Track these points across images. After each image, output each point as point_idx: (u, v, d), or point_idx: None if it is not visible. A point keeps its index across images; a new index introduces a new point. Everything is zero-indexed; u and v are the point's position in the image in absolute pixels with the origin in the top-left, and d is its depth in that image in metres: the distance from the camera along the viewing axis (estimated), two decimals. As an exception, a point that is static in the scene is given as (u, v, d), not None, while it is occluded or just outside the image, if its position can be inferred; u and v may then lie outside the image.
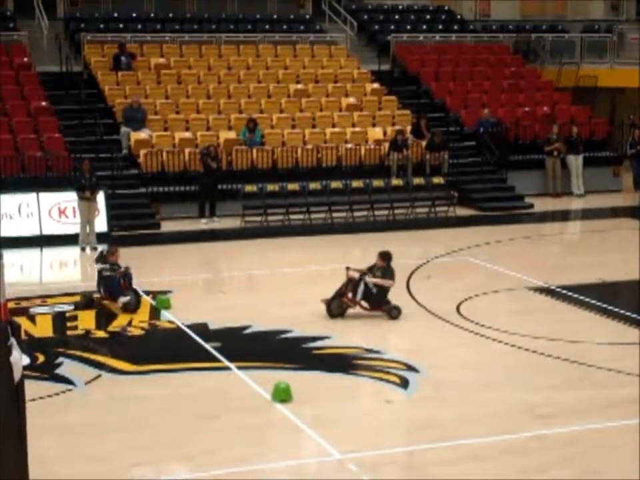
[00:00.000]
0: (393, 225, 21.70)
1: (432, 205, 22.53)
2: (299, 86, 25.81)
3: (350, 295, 14.07)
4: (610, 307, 14.73)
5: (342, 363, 12.26)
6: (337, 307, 14.14)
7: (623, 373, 11.81)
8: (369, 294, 14.08)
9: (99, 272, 14.86)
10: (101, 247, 19.04)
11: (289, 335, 13.43)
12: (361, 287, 14.04)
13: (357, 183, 22.50)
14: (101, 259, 15.08)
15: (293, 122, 24.51)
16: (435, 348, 13.03)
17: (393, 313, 14.10)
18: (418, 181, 23.04)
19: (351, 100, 25.55)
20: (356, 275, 14.08)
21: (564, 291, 15.62)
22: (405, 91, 27.01)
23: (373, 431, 10.13)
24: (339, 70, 26.90)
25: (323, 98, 25.54)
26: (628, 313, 14.42)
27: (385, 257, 14.36)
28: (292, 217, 21.73)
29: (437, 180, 23.15)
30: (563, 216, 23.59)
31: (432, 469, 9.29)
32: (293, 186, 22.12)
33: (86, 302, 14.75)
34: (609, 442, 9.92)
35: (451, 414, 10.55)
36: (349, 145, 23.70)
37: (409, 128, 24.63)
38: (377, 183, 22.66)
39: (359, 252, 19.38)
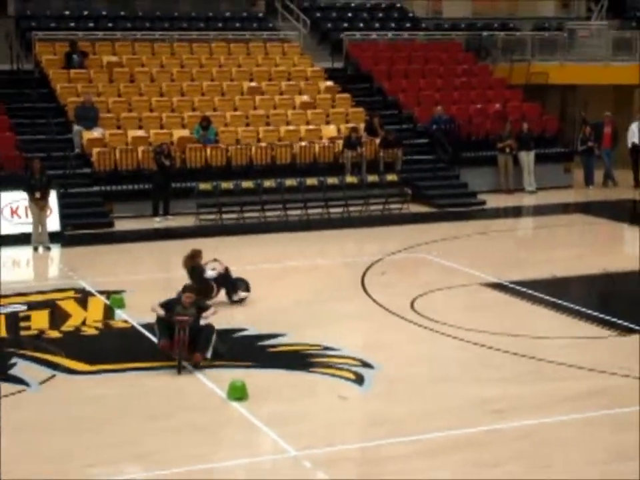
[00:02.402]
0: (347, 222, 21.77)
1: (386, 202, 22.64)
2: (253, 84, 25.78)
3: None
4: (561, 302, 14.90)
5: (297, 360, 12.29)
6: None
7: (574, 367, 11.95)
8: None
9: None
10: (53, 246, 18.98)
11: (244, 333, 13.43)
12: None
13: (311, 181, 22.54)
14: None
15: (246, 120, 24.48)
16: (390, 344, 13.10)
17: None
18: (372, 178, 23.13)
19: (305, 98, 25.57)
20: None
21: (517, 287, 15.77)
22: (358, 89, 27.09)
23: (328, 427, 10.17)
24: (292, 68, 26.91)
25: (276, 96, 25.54)
26: (579, 308, 14.60)
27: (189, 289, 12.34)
28: (246, 215, 21.72)
29: (391, 177, 23.26)
30: (516, 212, 23.81)
31: (387, 464, 9.35)
32: (247, 184, 22.10)
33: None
34: (560, 436, 10.04)
35: (405, 409, 10.62)
36: (303, 143, 23.73)
37: (362, 125, 24.71)
38: (331, 180, 22.71)
39: (315, 249, 19.42)
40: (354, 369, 11.85)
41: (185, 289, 12.21)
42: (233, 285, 14.80)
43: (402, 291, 15.60)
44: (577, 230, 21.10)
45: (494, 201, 23.85)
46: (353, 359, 12.20)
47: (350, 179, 23.07)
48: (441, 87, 27.48)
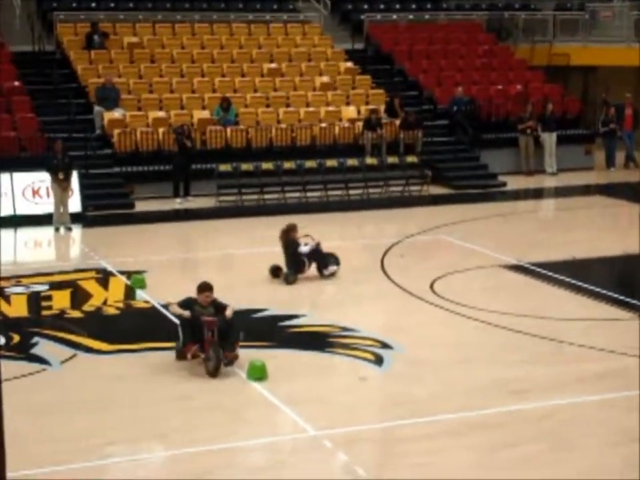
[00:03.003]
0: (367, 203, 21.77)
1: (406, 184, 22.61)
2: (273, 65, 25.76)
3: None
4: (581, 284, 14.88)
5: (317, 340, 12.34)
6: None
7: (594, 349, 11.95)
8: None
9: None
10: (75, 227, 19.08)
11: (264, 313, 13.49)
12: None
13: (331, 162, 22.54)
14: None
15: (267, 101, 24.49)
16: (409, 325, 13.13)
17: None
18: (392, 159, 23.10)
19: (325, 79, 25.53)
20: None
21: (536, 268, 15.75)
22: (378, 70, 27.02)
23: (348, 407, 10.22)
24: (312, 49, 26.85)
25: (296, 77, 25.51)
26: (599, 290, 14.58)
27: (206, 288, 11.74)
28: (266, 196, 21.75)
29: (411, 159, 23.22)
30: (536, 194, 23.74)
31: (406, 445, 9.40)
32: (267, 165, 22.12)
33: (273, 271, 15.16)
34: (580, 416, 10.06)
35: (425, 390, 10.65)
36: (323, 124, 23.71)
37: (382, 107, 24.66)
38: (351, 162, 22.70)
39: (334, 230, 19.43)
40: (373, 349, 11.89)
41: (203, 287, 11.57)
42: (323, 260, 15.16)
43: (421, 273, 15.61)
44: (598, 212, 21.02)
45: (514, 183, 23.78)
46: (372, 339, 12.24)
47: (370, 160, 23.06)
48: (462, 67, 27.37)
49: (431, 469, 8.81)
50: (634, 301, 13.96)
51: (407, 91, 26.28)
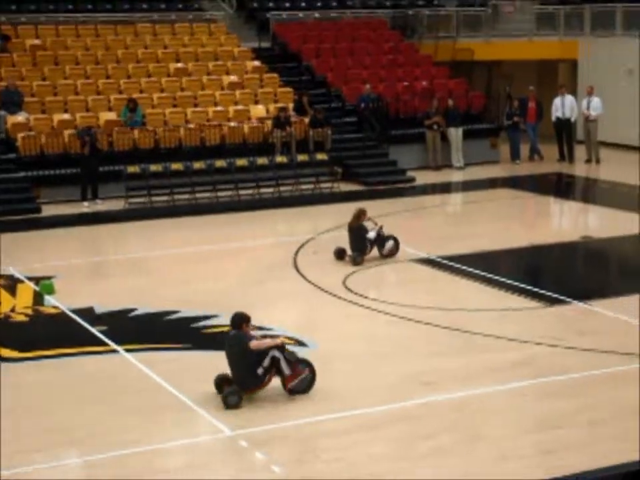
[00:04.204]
0: (278, 202, 21.78)
1: (316, 181, 22.69)
2: (179, 65, 25.59)
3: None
4: (490, 275, 15.12)
5: (231, 340, 12.29)
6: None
7: (504, 339, 12.17)
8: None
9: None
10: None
11: (176, 315, 13.40)
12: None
13: (241, 161, 22.49)
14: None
15: (174, 101, 24.30)
16: (323, 322, 13.19)
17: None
18: (302, 157, 23.15)
19: (233, 78, 25.47)
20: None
21: (446, 261, 15.96)
22: (286, 68, 27.05)
23: (264, 406, 10.22)
24: (218, 48, 26.75)
25: (204, 76, 25.38)
26: (507, 281, 14.84)
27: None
28: (177, 197, 21.60)
29: (321, 156, 23.31)
30: (444, 188, 24.04)
31: (322, 440, 9.45)
32: (176, 166, 21.95)
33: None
34: (493, 405, 10.24)
35: (340, 386, 10.71)
36: (232, 124, 23.64)
37: (291, 105, 24.70)
38: (261, 160, 22.68)
39: (246, 229, 19.40)
40: (289, 347, 11.88)
41: (243, 318, 10.53)
42: (383, 242, 16.18)
43: (334, 270, 15.68)
44: (504, 204, 21.38)
45: (423, 178, 24.05)
46: (287, 337, 12.25)
47: (280, 158, 23.07)
48: (368, 65, 27.57)
49: (348, 463, 8.87)
50: (542, 291, 14.25)
51: (314, 89, 26.36)
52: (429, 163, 25.23)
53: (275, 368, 10.31)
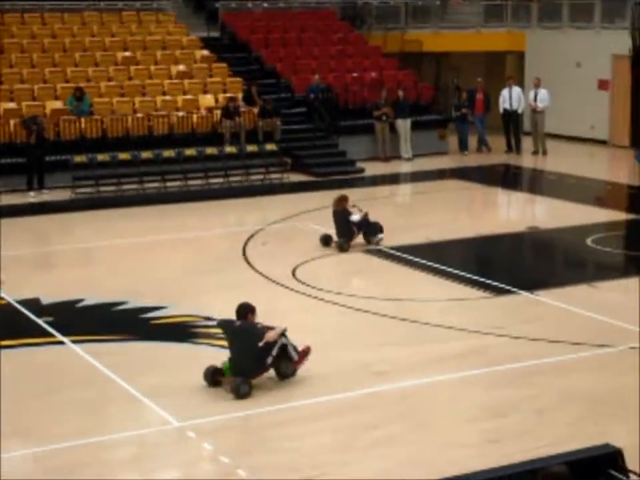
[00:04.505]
0: (227, 192, 21.70)
1: (266, 172, 22.65)
2: (127, 54, 25.36)
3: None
4: (438, 266, 15.22)
5: (179, 331, 12.26)
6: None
7: (452, 328, 12.26)
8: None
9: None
10: None
11: (124, 306, 13.31)
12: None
13: (189, 151, 22.37)
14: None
15: (121, 90, 24.08)
16: (272, 313, 13.09)
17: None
18: (251, 148, 23.09)
19: (181, 67, 25.29)
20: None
21: (396, 252, 16.03)
22: (235, 58, 26.92)
23: (212, 397, 10.20)
24: (167, 37, 26.54)
25: (152, 66, 25.18)
26: (456, 271, 14.95)
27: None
28: (124, 187, 21.43)
29: (270, 146, 23.26)
30: (393, 179, 24.13)
31: (270, 431, 9.45)
32: (124, 155, 21.77)
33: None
34: (441, 395, 10.33)
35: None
36: (181, 113, 23.49)
37: (240, 95, 24.61)
38: (210, 150, 22.58)
39: (195, 220, 19.32)
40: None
41: (248, 308, 10.60)
42: (370, 228, 16.31)
43: (283, 260, 15.67)
44: (452, 195, 21.51)
45: (372, 169, 24.11)
46: (235, 328, 12.21)
47: (229, 148, 22.98)
48: (318, 55, 27.55)
49: (296, 454, 8.89)
50: (489, 281, 14.38)
51: (264, 79, 26.28)
52: (378, 154, 25.29)
53: (282, 355, 10.41)
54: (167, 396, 10.13)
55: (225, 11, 28.58)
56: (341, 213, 16.25)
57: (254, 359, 10.27)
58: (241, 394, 10.08)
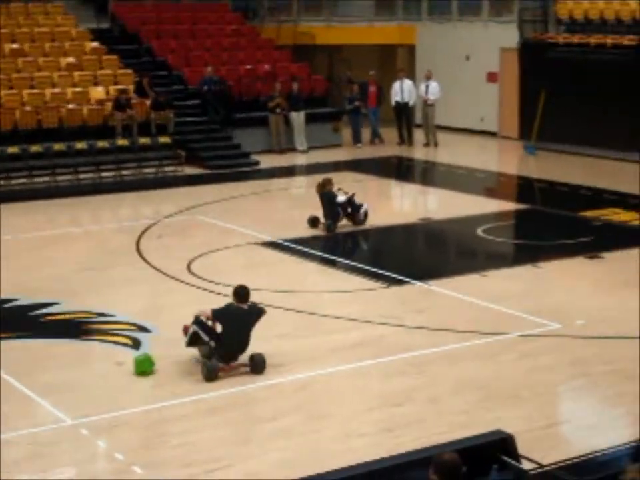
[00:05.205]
0: (120, 186, 21.42)
1: (159, 165, 22.43)
2: (15, 46, 24.76)
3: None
4: (334, 257, 15.32)
5: (72, 328, 12.07)
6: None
7: (347, 319, 12.35)
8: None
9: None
10: None
11: (15, 303, 13.03)
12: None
13: (80, 145, 21.99)
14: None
15: (9, 83, 23.50)
16: (166, 307, 13.07)
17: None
18: (144, 140, 22.82)
19: (70, 59, 24.82)
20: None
21: (291, 244, 16.07)
22: (126, 50, 26.56)
23: (105, 394, 10.07)
24: (55, 29, 26.02)
25: (40, 58, 24.65)
26: (349, 262, 15.06)
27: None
28: (13, 181, 20.96)
29: (164, 139, 23.03)
30: (288, 171, 24.17)
31: (166, 426, 9.38)
32: (12, 149, 21.26)
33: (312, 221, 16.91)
34: (336, 385, 10.40)
35: (184, 371, 10.65)
36: (71, 106, 23.06)
37: (132, 87, 24.30)
38: (102, 143, 22.24)
39: (87, 215, 19.03)
40: (130, 333, 11.76)
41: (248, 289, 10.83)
42: (356, 209, 16.89)
43: (178, 254, 15.56)
44: (347, 187, 21.52)
45: (267, 161, 24.11)
46: (129, 323, 12.10)
47: (121, 141, 22.67)
48: (210, 47, 27.39)
49: (192, 448, 8.84)
50: (382, 271, 14.52)
51: (156, 71, 26.00)
52: (273, 147, 25.30)
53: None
54: (60, 393, 9.97)
55: (115, 2, 28.17)
56: (327, 195, 16.78)
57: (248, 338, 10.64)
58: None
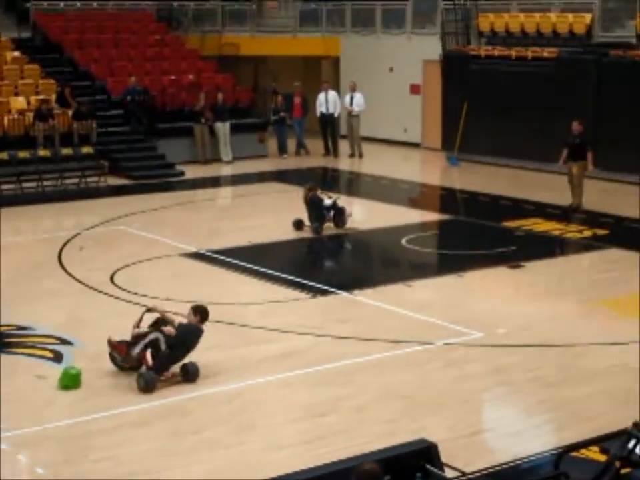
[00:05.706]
0: (41, 197, 21.10)
1: (82, 176, 22.16)
2: None
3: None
4: (259, 268, 15.29)
5: (-8, 341, 11.83)
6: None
7: (272, 330, 12.33)
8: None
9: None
10: None
11: None
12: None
13: (1, 155, 21.64)
14: None
15: None
16: (89, 319, 12.89)
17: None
18: (66, 151, 22.54)
19: (-9, 69, 24.45)
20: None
21: (216, 255, 16.00)
22: (47, 59, 26.25)
23: (27, 408, 9.90)
24: (-25, 37, 25.64)
25: (-41, 67, 24.26)
26: (274, 273, 15.05)
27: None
28: None
29: (86, 149, 22.78)
30: (214, 182, 24.08)
31: (89, 440, 9.25)
32: None
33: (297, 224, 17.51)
34: (263, 396, 10.37)
35: (108, 384, 10.52)
36: (-9, 116, 22.71)
37: (53, 97, 24.00)
38: (23, 154, 21.91)
39: (7, 226, 18.67)
40: (52, 347, 11.58)
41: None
42: (340, 213, 17.57)
43: (101, 265, 15.38)
44: (272, 198, 21.65)
45: (192, 172, 23.99)
46: (51, 337, 11.92)
47: (42, 152, 22.36)
48: (134, 57, 27.20)
49: (116, 462, 8.74)
50: (307, 282, 14.54)
51: (78, 81, 25.73)
52: (198, 157, 25.19)
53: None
54: (-20, 409, 9.76)
55: (36, 11, 27.83)
56: (312, 198, 17.43)
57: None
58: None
